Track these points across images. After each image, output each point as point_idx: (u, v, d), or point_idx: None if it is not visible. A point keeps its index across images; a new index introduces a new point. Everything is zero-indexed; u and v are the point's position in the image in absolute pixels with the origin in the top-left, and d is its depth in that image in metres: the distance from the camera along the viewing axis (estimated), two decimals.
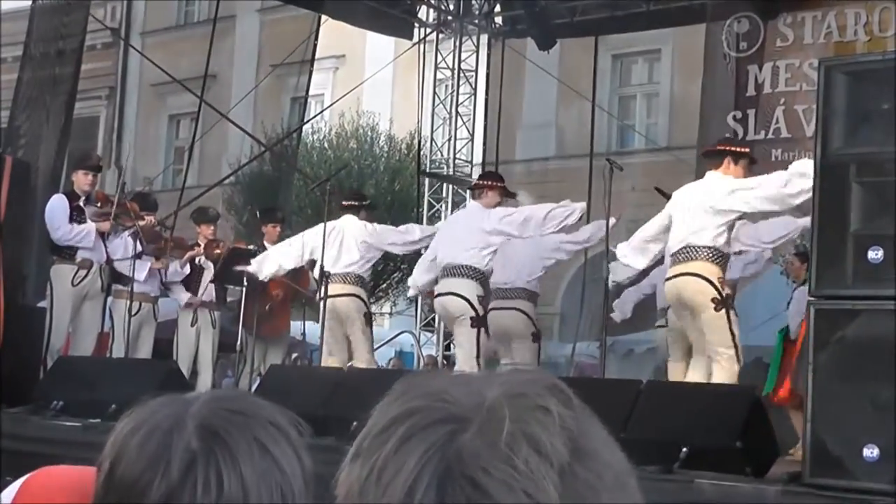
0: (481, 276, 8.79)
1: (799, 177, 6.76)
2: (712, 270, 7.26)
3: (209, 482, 1.17)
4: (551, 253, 9.12)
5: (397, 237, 9.70)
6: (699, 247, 7.28)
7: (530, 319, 9.02)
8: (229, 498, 1.17)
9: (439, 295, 8.89)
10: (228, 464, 1.18)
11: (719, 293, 7.21)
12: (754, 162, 7.86)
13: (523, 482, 0.85)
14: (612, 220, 8.29)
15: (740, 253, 8.47)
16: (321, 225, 9.26)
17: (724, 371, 7.13)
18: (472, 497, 0.85)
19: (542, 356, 9.46)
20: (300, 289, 10.68)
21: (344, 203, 9.72)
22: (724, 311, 7.19)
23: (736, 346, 7.18)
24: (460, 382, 0.93)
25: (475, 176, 14.45)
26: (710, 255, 7.28)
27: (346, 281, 9.25)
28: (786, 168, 7.37)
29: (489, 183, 9.11)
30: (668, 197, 8.02)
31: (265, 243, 10.60)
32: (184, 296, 10.51)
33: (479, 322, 8.67)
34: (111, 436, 1.25)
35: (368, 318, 9.44)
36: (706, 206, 7.32)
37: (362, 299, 9.36)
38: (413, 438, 0.89)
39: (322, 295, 9.13)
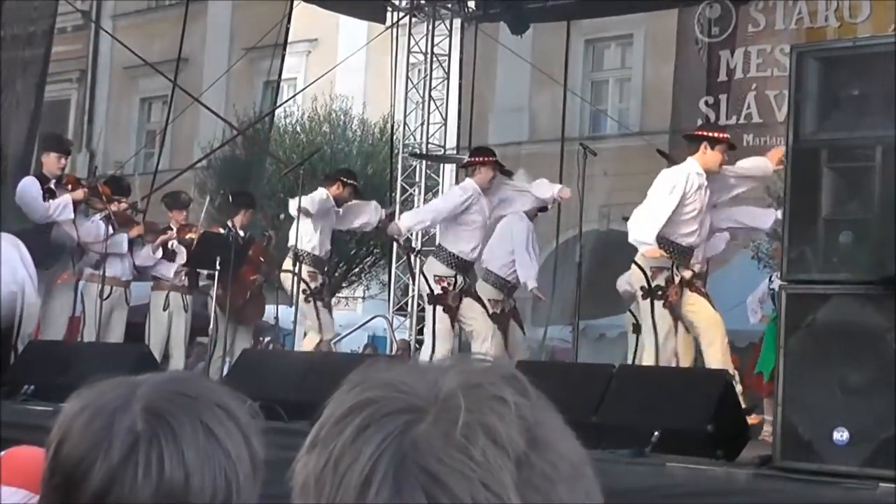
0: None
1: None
2: (647, 260, 7.41)
3: (150, 464, 1.15)
4: None
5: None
6: None
7: None
8: (170, 480, 1.15)
9: None
10: (171, 445, 1.16)
11: (648, 282, 7.31)
12: (733, 147, 7.91)
13: (480, 473, 0.85)
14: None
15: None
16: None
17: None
18: (428, 487, 0.85)
19: (513, 340, 9.51)
20: (275, 268, 10.66)
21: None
22: (648, 301, 7.30)
23: (656, 341, 7.25)
24: (417, 372, 0.92)
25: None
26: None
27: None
28: (759, 153, 7.48)
29: (482, 159, 9.10)
30: (668, 158, 8.10)
31: (236, 226, 10.54)
32: (167, 269, 10.43)
33: None
34: (59, 416, 1.23)
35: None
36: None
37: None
38: (369, 428, 0.88)
39: (295, 272, 9.22)
